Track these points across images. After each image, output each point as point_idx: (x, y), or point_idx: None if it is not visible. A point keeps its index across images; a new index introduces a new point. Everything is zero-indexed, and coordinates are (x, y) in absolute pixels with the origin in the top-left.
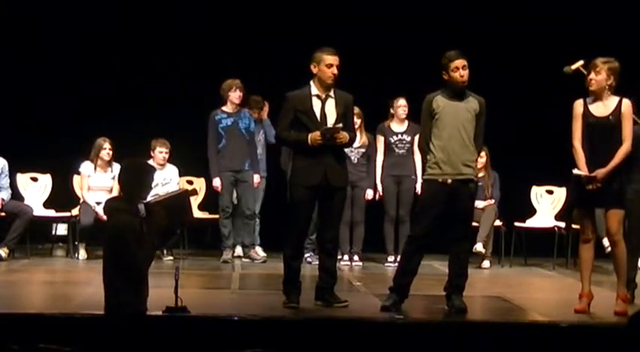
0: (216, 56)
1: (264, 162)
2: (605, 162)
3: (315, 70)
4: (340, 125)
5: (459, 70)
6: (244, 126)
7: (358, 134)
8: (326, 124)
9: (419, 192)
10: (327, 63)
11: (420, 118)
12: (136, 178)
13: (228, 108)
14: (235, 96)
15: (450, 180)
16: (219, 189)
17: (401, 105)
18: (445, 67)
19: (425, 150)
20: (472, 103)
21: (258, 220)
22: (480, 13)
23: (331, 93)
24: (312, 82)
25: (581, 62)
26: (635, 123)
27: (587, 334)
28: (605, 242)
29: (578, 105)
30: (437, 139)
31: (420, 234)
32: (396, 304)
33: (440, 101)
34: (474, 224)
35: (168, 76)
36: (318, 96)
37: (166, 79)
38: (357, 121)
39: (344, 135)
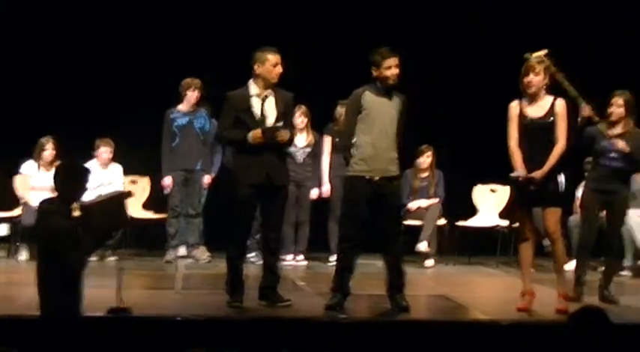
0: (163, 54)
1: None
2: (543, 161)
3: (258, 70)
4: (280, 124)
5: (392, 68)
6: (199, 126)
7: (305, 133)
8: (266, 123)
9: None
10: (273, 62)
11: (347, 114)
12: (69, 180)
13: (184, 107)
14: (193, 95)
15: (377, 178)
16: (170, 187)
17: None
18: (377, 64)
19: (348, 147)
20: (396, 101)
21: (201, 219)
22: (424, 14)
23: (271, 92)
24: (251, 81)
25: (544, 51)
26: (591, 123)
27: (528, 332)
28: (546, 240)
29: (514, 107)
30: (365, 135)
31: (354, 231)
32: (340, 303)
33: (368, 97)
34: (418, 223)
35: (113, 75)
36: (258, 95)
37: (111, 78)
38: (304, 120)
39: (284, 134)
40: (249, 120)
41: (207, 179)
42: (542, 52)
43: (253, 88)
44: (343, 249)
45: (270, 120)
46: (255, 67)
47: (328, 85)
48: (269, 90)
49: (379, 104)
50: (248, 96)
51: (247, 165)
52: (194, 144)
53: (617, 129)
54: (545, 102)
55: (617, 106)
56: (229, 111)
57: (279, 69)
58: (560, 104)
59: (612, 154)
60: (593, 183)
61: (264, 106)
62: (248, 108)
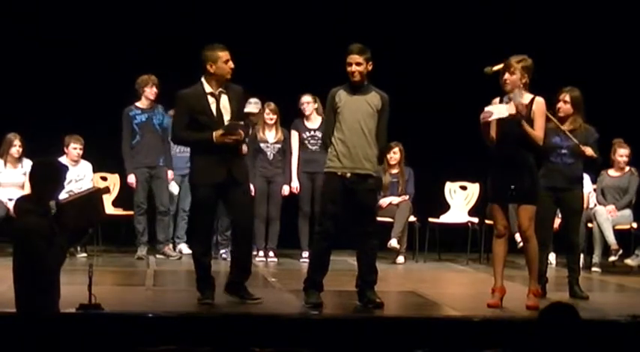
0: (129, 51)
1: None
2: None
3: (212, 69)
4: (241, 123)
5: (352, 65)
6: (158, 122)
7: (274, 130)
8: (223, 121)
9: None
10: (224, 59)
11: (325, 113)
12: (46, 178)
13: (142, 104)
14: (151, 92)
15: (349, 174)
16: (134, 185)
17: (303, 102)
18: (345, 58)
19: (327, 145)
20: (374, 98)
21: (181, 215)
22: (396, 10)
23: (222, 88)
24: (203, 80)
25: (502, 65)
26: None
27: (499, 328)
28: (518, 237)
29: (494, 103)
30: (338, 133)
31: (331, 228)
32: (320, 299)
33: (342, 95)
34: (389, 220)
35: (81, 71)
36: (212, 93)
37: (79, 74)
38: (273, 117)
39: (241, 132)
40: (206, 121)
41: (170, 174)
42: (501, 66)
43: (207, 86)
44: (322, 247)
45: (226, 118)
46: (208, 66)
47: (296, 81)
48: (221, 88)
49: (351, 101)
50: (204, 96)
51: (208, 165)
52: (154, 141)
53: (566, 126)
54: (524, 99)
55: (564, 102)
56: (183, 111)
57: (232, 64)
58: (539, 102)
59: (563, 151)
60: (543, 180)
61: (220, 104)
62: (204, 107)
